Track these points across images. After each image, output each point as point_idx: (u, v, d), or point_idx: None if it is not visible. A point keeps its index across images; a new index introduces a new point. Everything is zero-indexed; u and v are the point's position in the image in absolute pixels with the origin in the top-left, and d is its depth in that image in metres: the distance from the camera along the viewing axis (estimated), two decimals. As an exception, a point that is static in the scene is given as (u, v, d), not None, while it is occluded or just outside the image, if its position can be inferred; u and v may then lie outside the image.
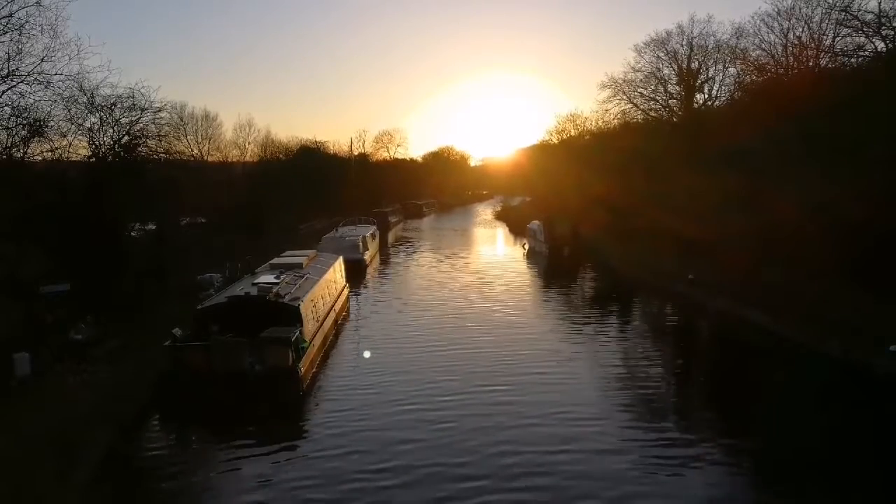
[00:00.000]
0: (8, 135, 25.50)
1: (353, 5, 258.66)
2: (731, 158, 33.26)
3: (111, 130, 29.82)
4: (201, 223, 45.89)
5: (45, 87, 24.72)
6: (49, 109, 26.36)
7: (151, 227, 34.63)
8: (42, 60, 24.33)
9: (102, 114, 29.18)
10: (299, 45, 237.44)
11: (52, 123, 26.90)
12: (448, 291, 37.39)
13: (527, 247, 56.52)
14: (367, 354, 24.50)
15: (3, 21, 23.17)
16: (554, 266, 46.91)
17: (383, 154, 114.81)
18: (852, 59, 34.11)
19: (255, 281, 24.82)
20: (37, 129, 25.85)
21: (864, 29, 32.02)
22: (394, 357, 24.13)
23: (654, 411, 18.53)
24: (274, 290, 22.97)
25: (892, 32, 31.13)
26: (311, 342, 22.24)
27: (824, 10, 37.13)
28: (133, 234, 33.12)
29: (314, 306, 24.69)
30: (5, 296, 22.61)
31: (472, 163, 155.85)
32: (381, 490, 13.85)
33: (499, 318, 30.24)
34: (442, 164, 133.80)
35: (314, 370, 22.03)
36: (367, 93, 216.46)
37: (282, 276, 25.63)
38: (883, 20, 31.03)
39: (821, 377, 20.91)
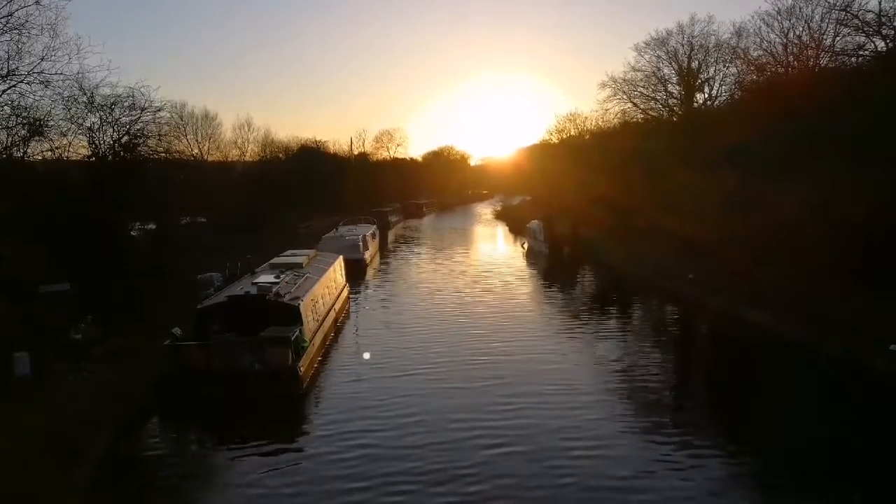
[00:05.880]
0: (8, 134, 25.59)
1: (353, 5, 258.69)
2: (731, 158, 33.24)
3: (111, 130, 29.80)
4: (201, 223, 45.84)
5: (45, 87, 24.82)
6: (49, 109, 26.48)
7: (151, 226, 34.59)
8: (42, 60, 24.42)
9: (102, 113, 29.16)
10: (299, 45, 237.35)
11: (52, 123, 26.99)
12: (448, 291, 37.39)
13: (526, 246, 56.51)
14: (366, 356, 24.42)
15: (2, 20, 23.24)
16: (554, 265, 46.91)
17: (383, 153, 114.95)
18: (852, 59, 34.12)
19: (256, 280, 24.81)
20: (36, 128, 25.88)
21: (865, 28, 32.02)
22: (394, 356, 24.11)
23: (653, 410, 18.56)
24: (274, 290, 22.97)
25: (893, 32, 31.14)
26: (311, 341, 22.25)
27: (824, 10, 37.13)
28: (133, 233, 33.08)
29: (314, 306, 24.69)
30: (5, 295, 22.59)
31: (472, 162, 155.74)
32: (383, 489, 13.84)
33: (499, 318, 30.23)
34: (442, 164, 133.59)
35: (314, 369, 22.03)
36: (366, 92, 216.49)
37: (282, 276, 25.63)
38: (883, 19, 31.05)
39: (821, 377, 20.92)
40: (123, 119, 29.79)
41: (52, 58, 24.60)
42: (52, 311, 23.29)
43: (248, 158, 75.43)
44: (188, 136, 65.74)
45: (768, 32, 42.11)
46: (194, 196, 40.53)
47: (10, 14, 23.28)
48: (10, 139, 25.69)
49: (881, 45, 31.99)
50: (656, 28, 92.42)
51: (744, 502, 13.61)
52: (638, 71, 54.34)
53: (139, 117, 30.01)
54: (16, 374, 19.15)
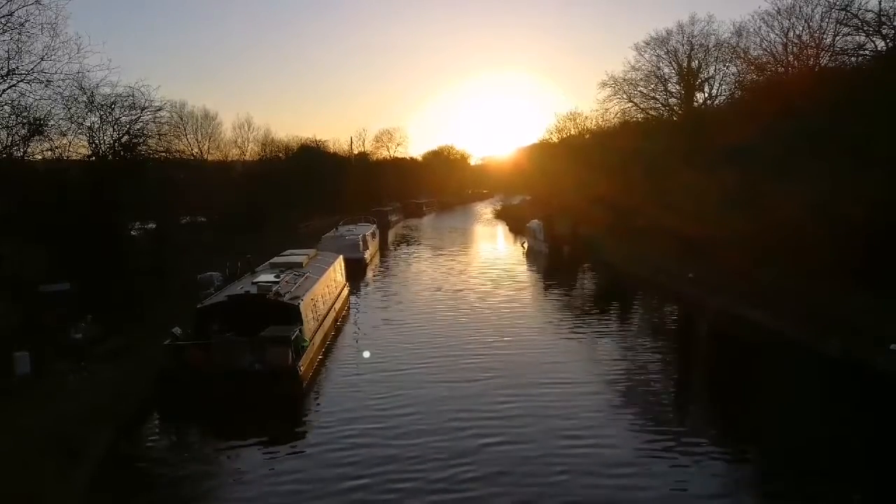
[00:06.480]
0: (8, 134, 25.62)
1: (353, 5, 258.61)
2: (731, 157, 33.25)
3: (111, 129, 29.83)
4: (201, 222, 45.87)
5: (45, 86, 24.83)
6: (49, 108, 26.48)
7: (151, 226, 34.61)
8: (42, 59, 24.43)
9: (102, 113, 29.17)
10: (299, 45, 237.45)
11: (52, 122, 27.02)
12: (447, 290, 37.40)
13: (526, 246, 56.51)
14: (366, 354, 24.50)
15: (2, 19, 23.25)
16: (554, 265, 46.92)
17: (383, 153, 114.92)
18: (852, 58, 34.12)
19: (256, 280, 24.82)
20: (37, 127, 25.89)
21: (865, 28, 32.03)
22: (393, 354, 24.14)
23: (652, 408, 18.54)
24: (274, 289, 22.97)
25: (893, 31, 31.14)
26: (310, 341, 22.25)
27: (824, 9, 37.19)
28: (133, 233, 33.09)
29: (314, 305, 24.69)
30: (5, 295, 22.60)
31: (472, 162, 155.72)
32: (383, 488, 13.86)
33: (498, 317, 30.23)
34: (442, 163, 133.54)
35: (314, 369, 22.04)
36: (366, 92, 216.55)
37: (282, 275, 25.63)
38: (883, 19, 31.05)
39: (821, 376, 20.92)
40: (123, 119, 29.85)
41: (52, 57, 24.64)
42: (52, 311, 23.32)
43: (248, 158, 75.60)
44: (188, 136, 65.84)
45: (768, 32, 42.20)
46: (194, 196, 40.58)
47: (11, 13, 23.31)
48: (10, 139, 25.74)
49: (881, 44, 32.02)
50: (656, 28, 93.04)
51: (742, 501, 13.62)
52: (638, 70, 54.43)
53: (139, 117, 30.07)
54: (16, 373, 19.18)
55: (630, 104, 55.90)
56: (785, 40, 41.10)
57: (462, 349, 24.66)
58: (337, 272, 32.97)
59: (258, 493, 13.92)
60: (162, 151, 32.32)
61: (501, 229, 79.17)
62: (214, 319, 21.26)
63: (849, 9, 32.68)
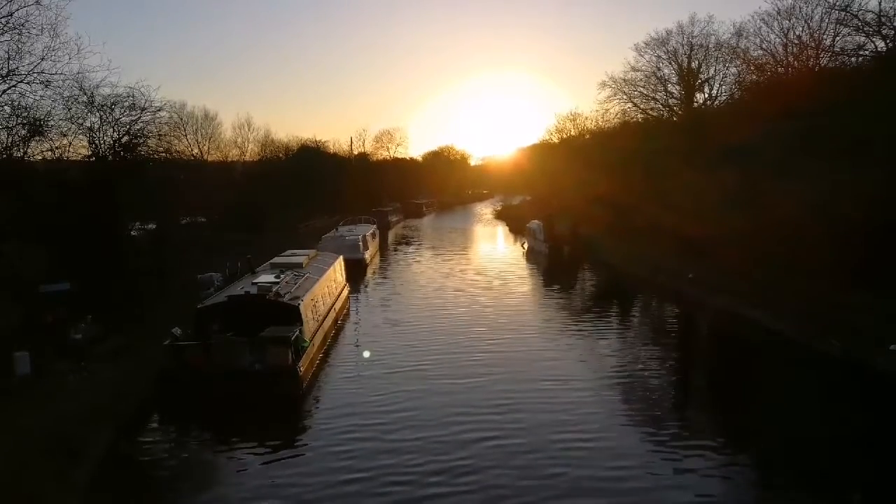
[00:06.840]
0: (8, 134, 25.61)
1: (353, 5, 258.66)
2: (731, 157, 33.29)
3: (111, 130, 29.82)
4: (201, 222, 45.89)
5: (45, 87, 24.81)
6: (49, 109, 26.47)
7: (151, 226, 34.62)
8: (42, 60, 24.42)
9: (102, 113, 29.17)
10: (299, 45, 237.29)
11: (52, 123, 27.00)
12: (448, 291, 37.39)
13: (526, 246, 56.51)
14: (366, 354, 24.51)
15: (2, 20, 23.22)
16: (554, 265, 46.93)
17: (383, 153, 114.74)
18: (852, 59, 34.19)
19: (256, 280, 24.83)
20: (37, 128, 25.88)
21: (864, 28, 32.08)
22: (393, 354, 24.14)
23: (651, 407, 18.57)
24: (274, 290, 22.98)
25: (893, 32, 31.18)
26: (311, 341, 22.26)
27: (824, 10, 37.32)
28: (133, 233, 33.09)
29: (314, 305, 24.71)
30: (6, 294, 22.60)
31: (473, 162, 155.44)
32: (382, 488, 13.87)
33: (498, 318, 30.22)
34: (442, 164, 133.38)
35: (314, 369, 22.04)
36: (366, 92, 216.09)
37: (282, 276, 25.64)
38: (883, 19, 31.11)
39: (821, 376, 20.94)
40: (123, 119, 29.84)
41: (52, 58, 24.63)
42: (52, 311, 23.32)
43: (248, 158, 75.72)
44: (188, 136, 65.95)
45: (768, 32, 42.34)
46: (194, 196, 40.62)
47: (11, 14, 23.29)
48: (10, 139, 25.72)
49: (881, 45, 32.08)
50: (656, 28, 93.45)
51: (741, 500, 13.63)
52: (638, 71, 54.58)
53: (139, 117, 30.07)
54: (16, 373, 19.16)
55: (630, 104, 56.10)
56: (785, 41, 41.25)
57: (461, 348, 24.69)
58: (337, 272, 32.98)
59: (258, 493, 13.91)
60: (162, 152, 32.35)
61: (501, 229, 79.14)
62: (214, 319, 21.26)
63: (849, 9, 32.76)
